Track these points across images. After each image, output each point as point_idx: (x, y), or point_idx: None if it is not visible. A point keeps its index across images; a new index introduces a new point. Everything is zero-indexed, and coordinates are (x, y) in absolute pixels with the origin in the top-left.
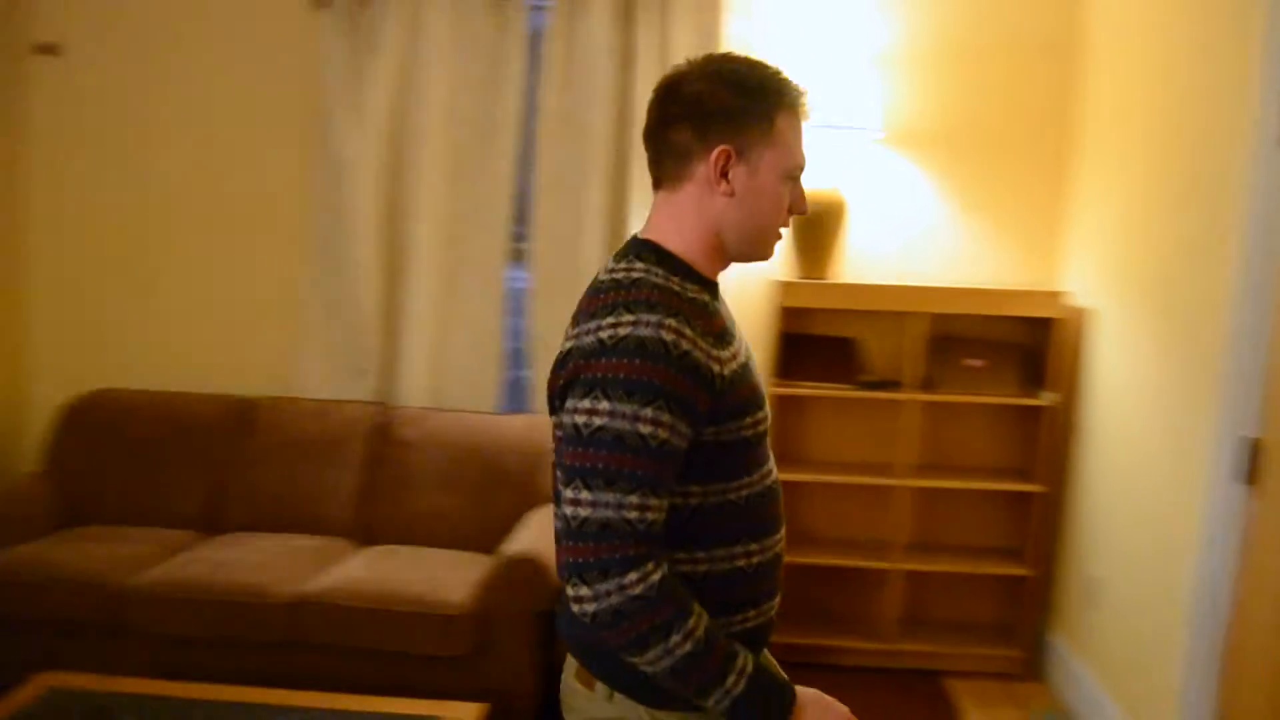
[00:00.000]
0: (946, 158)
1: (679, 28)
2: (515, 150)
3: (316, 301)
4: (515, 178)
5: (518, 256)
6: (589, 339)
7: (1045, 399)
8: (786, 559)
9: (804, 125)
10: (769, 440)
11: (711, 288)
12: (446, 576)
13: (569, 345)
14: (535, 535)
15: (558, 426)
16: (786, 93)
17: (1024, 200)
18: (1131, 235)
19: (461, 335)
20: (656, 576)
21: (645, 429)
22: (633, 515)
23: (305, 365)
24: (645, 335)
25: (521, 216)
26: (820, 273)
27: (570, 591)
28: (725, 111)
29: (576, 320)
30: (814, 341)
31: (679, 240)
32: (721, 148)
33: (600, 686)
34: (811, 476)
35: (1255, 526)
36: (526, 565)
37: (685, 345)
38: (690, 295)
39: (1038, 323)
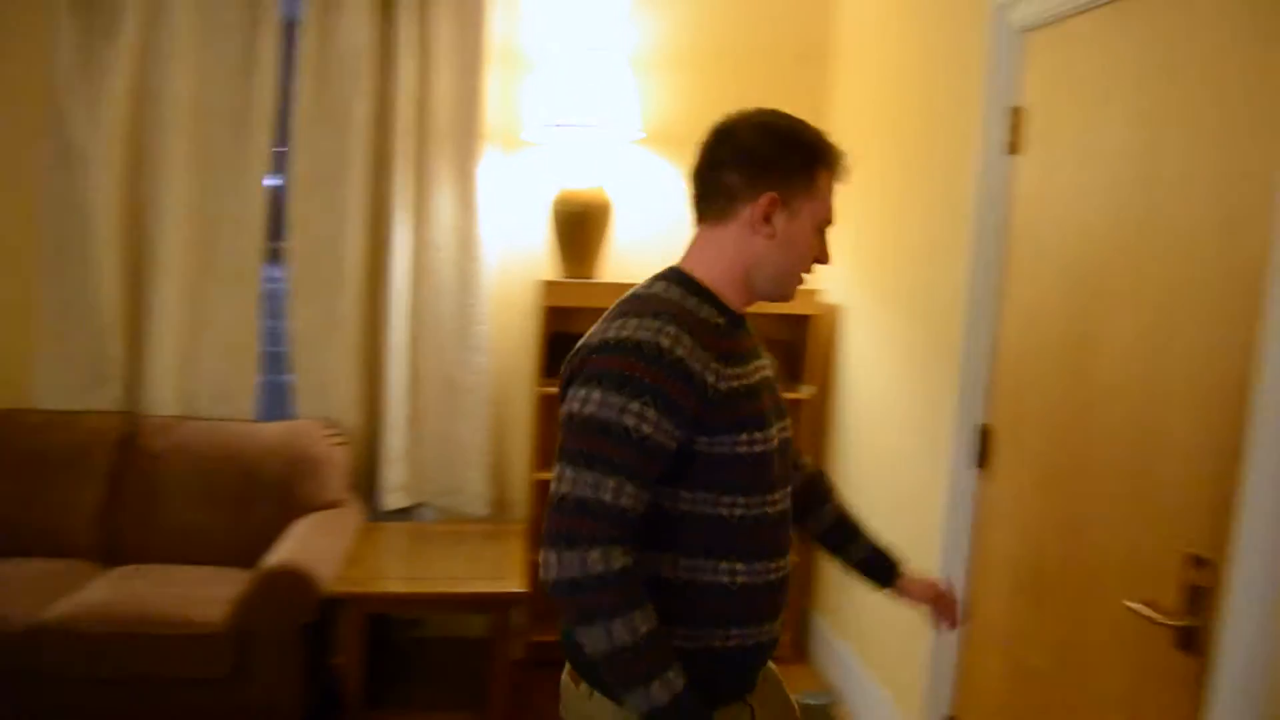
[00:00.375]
0: None
1: (440, 23)
2: (270, 145)
3: (52, 305)
4: (271, 174)
5: (275, 256)
6: (596, 338)
7: (803, 392)
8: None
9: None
10: (778, 470)
11: (732, 316)
12: (201, 594)
13: (581, 343)
14: (298, 546)
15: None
16: (829, 153)
17: None
18: (881, 235)
19: (214, 338)
20: (618, 563)
21: (630, 420)
22: (607, 497)
23: (40, 374)
24: (643, 338)
25: (278, 214)
26: (586, 272)
27: (540, 558)
28: (776, 162)
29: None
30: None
31: (708, 271)
32: (770, 194)
33: (584, 684)
34: None
35: (986, 506)
36: (288, 577)
37: (680, 352)
38: (702, 315)
39: (796, 319)
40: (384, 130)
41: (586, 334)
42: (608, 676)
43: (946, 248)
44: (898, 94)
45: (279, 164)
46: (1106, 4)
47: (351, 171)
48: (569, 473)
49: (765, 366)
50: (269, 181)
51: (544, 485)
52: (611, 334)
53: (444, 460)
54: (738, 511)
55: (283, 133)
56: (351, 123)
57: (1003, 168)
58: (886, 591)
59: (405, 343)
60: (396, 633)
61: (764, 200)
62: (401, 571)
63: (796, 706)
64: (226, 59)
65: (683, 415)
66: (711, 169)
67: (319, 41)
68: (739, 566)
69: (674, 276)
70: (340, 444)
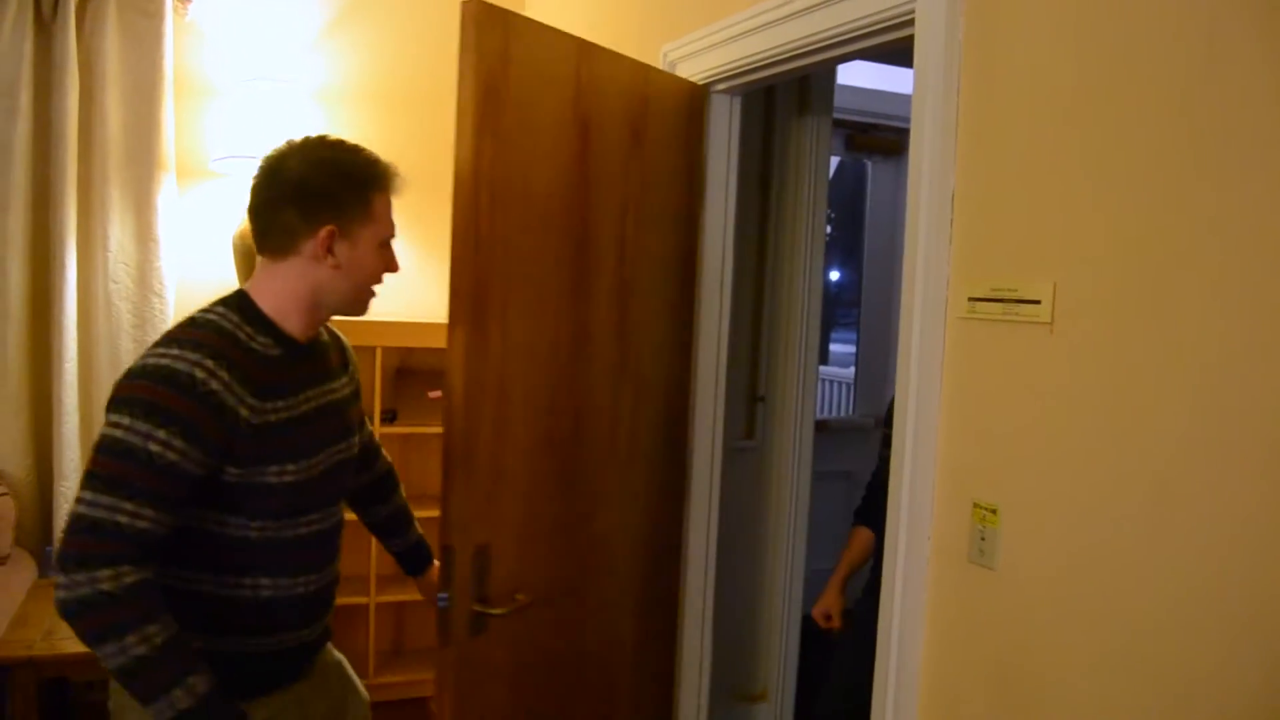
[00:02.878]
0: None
1: (107, 42)
2: None
3: None
4: None
5: None
6: (138, 362)
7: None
8: None
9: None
10: (318, 493)
11: (291, 347)
12: None
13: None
14: None
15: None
16: (380, 176)
17: None
18: None
19: None
20: (130, 579)
21: (155, 448)
22: (123, 520)
23: None
24: (179, 369)
25: None
26: None
27: (57, 579)
28: (329, 196)
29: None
30: None
31: (272, 301)
32: (328, 228)
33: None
34: None
35: None
36: None
37: (215, 385)
38: (255, 347)
39: None
40: (47, 156)
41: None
42: (130, 689)
43: None
44: None
45: None
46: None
47: (10, 200)
48: (88, 495)
49: (334, 390)
50: None
51: None
52: (151, 361)
53: None
54: (267, 534)
55: None
56: (9, 147)
57: None
58: (416, 580)
59: (77, 384)
60: (80, 696)
61: (323, 235)
62: None
63: (363, 691)
64: None
65: (210, 445)
66: (267, 207)
67: None
68: (264, 581)
69: (237, 303)
70: (1, 495)
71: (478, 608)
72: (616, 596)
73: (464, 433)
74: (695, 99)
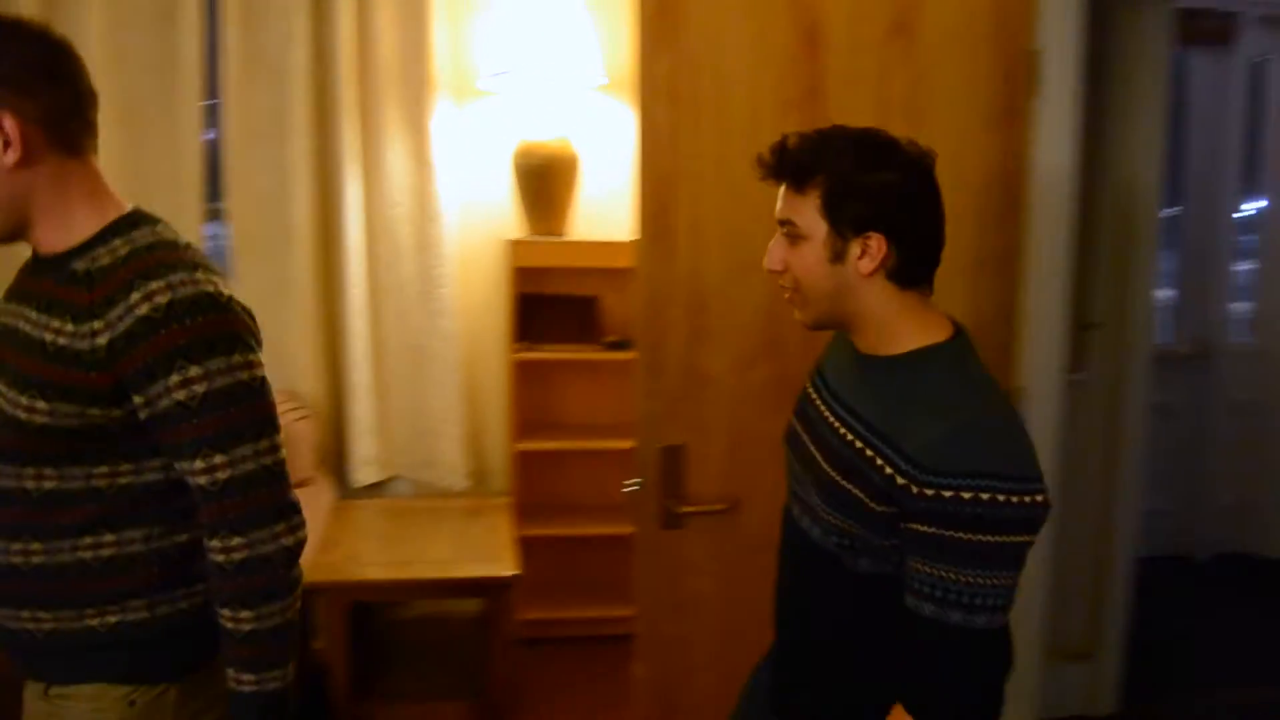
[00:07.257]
0: None
1: None
2: (201, 97)
3: None
4: (204, 129)
5: (215, 217)
6: (131, 319)
7: None
8: (543, 531)
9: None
10: None
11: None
12: None
13: (106, 338)
14: None
15: (146, 407)
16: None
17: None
18: None
19: None
20: (303, 533)
21: (244, 375)
22: (283, 455)
23: None
24: (191, 294)
25: (214, 172)
26: (553, 229)
27: (238, 542)
28: None
29: (82, 317)
30: (553, 302)
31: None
32: None
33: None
34: (562, 444)
35: None
36: None
37: (226, 290)
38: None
39: None
40: (324, 79)
41: (96, 329)
42: (270, 652)
43: None
44: None
45: (211, 118)
46: None
47: (292, 125)
48: (245, 449)
49: (21, 315)
50: (204, 137)
51: (525, 456)
52: (152, 304)
53: (416, 432)
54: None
55: (213, 84)
56: (287, 72)
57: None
58: None
59: (364, 307)
60: (376, 613)
61: None
62: (383, 556)
63: None
64: (143, 2)
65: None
66: None
67: None
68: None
69: (126, 225)
70: (303, 418)
71: (669, 504)
72: None
73: (648, 340)
74: None
